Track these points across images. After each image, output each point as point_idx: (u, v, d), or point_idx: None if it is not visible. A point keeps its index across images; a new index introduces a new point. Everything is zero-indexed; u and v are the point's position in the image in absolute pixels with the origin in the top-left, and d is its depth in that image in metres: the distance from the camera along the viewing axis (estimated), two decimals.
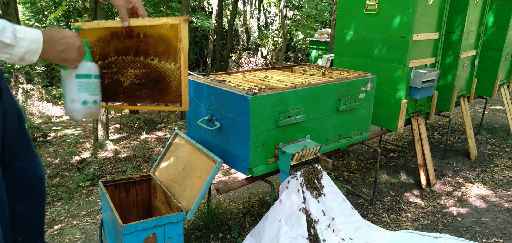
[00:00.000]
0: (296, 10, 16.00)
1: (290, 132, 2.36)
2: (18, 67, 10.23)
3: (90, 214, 4.00)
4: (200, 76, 2.56)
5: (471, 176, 3.87)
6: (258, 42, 15.51)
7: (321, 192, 2.26)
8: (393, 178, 3.70)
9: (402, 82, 3.13)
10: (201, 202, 2.21)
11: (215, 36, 13.20)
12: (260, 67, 8.69)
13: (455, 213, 3.14)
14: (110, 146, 6.39)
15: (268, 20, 17.24)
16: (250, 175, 2.29)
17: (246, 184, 2.43)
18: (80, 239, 3.17)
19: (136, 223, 1.86)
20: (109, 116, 8.10)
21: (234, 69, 13.87)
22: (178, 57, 1.63)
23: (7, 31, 1.19)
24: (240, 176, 3.95)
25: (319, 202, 2.23)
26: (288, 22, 14.82)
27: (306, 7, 14.05)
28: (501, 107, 6.73)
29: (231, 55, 13.91)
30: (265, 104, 2.15)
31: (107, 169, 5.68)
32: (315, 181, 2.28)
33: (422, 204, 3.33)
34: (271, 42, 15.02)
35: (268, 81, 2.60)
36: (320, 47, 9.50)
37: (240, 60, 14.58)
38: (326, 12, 14.51)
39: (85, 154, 6.36)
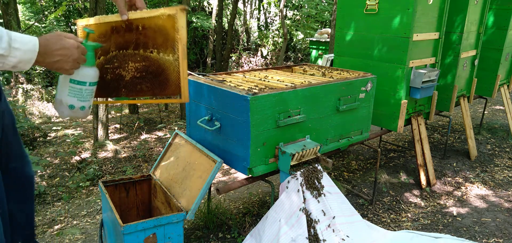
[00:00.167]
0: (296, 10, 16.00)
1: (290, 132, 2.36)
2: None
3: (90, 214, 4.00)
4: (200, 76, 2.56)
5: (471, 176, 3.87)
6: (258, 42, 15.51)
7: (321, 192, 2.26)
8: (393, 178, 3.70)
9: (402, 82, 3.13)
10: (201, 202, 2.21)
11: (215, 36, 13.20)
12: (260, 67, 8.69)
13: (455, 213, 3.14)
14: (110, 146, 6.39)
15: (268, 20, 17.24)
16: (250, 175, 2.29)
17: (246, 184, 2.43)
18: (80, 239, 3.17)
19: (136, 223, 1.86)
20: (109, 116, 8.10)
21: (234, 69, 13.87)
22: (176, 48, 1.60)
23: (2, 41, 1.16)
24: (240, 176, 3.95)
25: (319, 202, 2.23)
26: (288, 22, 14.82)
27: (306, 7, 14.04)
28: (501, 107, 6.73)
29: (231, 55, 13.91)
30: (265, 104, 2.15)
31: (107, 169, 5.68)
32: (315, 181, 2.28)
33: (422, 204, 3.33)
34: (271, 42, 15.02)
35: (268, 81, 2.60)
36: (320, 47, 9.50)
37: (240, 60, 14.58)
38: (326, 12, 14.51)
39: (85, 154, 6.36)
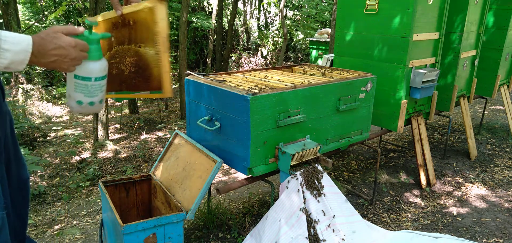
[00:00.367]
0: (296, 10, 16.00)
1: (290, 132, 2.36)
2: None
3: (90, 214, 4.01)
4: (200, 76, 2.56)
5: (471, 176, 3.87)
6: (258, 42, 15.51)
7: (321, 192, 2.26)
8: (393, 178, 3.70)
9: (402, 82, 3.13)
10: (201, 202, 2.21)
11: (215, 36, 13.21)
12: (260, 67, 8.70)
13: (455, 213, 3.14)
14: (110, 146, 6.39)
15: (268, 20, 17.24)
16: (250, 175, 2.29)
17: (246, 184, 2.43)
18: (80, 239, 3.17)
19: (136, 223, 1.86)
20: (109, 116, 8.10)
21: (234, 69, 13.87)
22: (156, 42, 1.58)
23: None
24: (240, 176, 3.95)
25: (319, 202, 2.23)
26: (288, 22, 14.82)
27: (306, 7, 14.04)
28: (501, 107, 6.73)
29: (231, 55, 13.91)
30: (265, 104, 2.15)
31: (107, 169, 5.68)
32: (315, 181, 2.28)
33: (422, 204, 3.33)
34: (271, 42, 15.02)
35: (268, 81, 2.60)
36: (320, 47, 9.50)
37: (240, 60, 14.58)
38: (326, 12, 14.51)
39: (85, 154, 6.36)
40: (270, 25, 16.77)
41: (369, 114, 2.93)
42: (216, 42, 13.24)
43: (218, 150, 2.38)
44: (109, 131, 7.08)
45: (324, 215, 2.21)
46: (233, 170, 4.70)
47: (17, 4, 9.77)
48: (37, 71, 10.90)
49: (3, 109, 1.56)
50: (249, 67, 14.34)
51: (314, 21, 14.43)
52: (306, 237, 2.06)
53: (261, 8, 17.13)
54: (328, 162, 2.34)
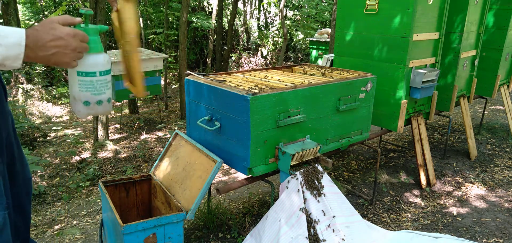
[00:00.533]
0: (296, 10, 16.00)
1: (290, 132, 2.36)
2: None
3: (90, 214, 4.01)
4: (200, 76, 2.56)
5: (471, 176, 3.87)
6: (258, 42, 15.52)
7: (321, 192, 2.26)
8: (393, 178, 3.70)
9: (402, 82, 3.13)
10: (201, 202, 2.21)
11: (215, 36, 13.21)
12: (260, 67, 8.70)
13: (455, 213, 3.14)
14: (110, 146, 6.39)
15: (268, 20, 17.25)
16: (250, 175, 2.29)
17: (246, 184, 2.43)
18: (80, 239, 3.17)
19: (136, 223, 1.86)
20: (109, 116, 8.10)
21: (234, 69, 13.88)
22: (125, 40, 1.57)
23: None
24: (240, 176, 3.95)
25: (319, 202, 2.23)
26: (288, 22, 14.82)
27: (306, 7, 14.05)
28: (501, 107, 6.73)
29: (231, 55, 13.92)
30: (265, 104, 2.15)
31: (107, 169, 5.68)
32: (315, 181, 2.28)
33: (422, 204, 3.33)
34: (271, 42, 15.03)
35: (268, 81, 2.60)
36: (320, 47, 9.50)
37: (240, 60, 14.58)
38: (326, 12, 14.51)
39: (85, 154, 6.37)
40: (270, 25, 16.77)
41: (369, 114, 2.93)
42: (216, 42, 13.25)
43: (218, 150, 2.38)
44: (109, 131, 7.08)
45: (324, 215, 2.21)
46: (233, 170, 4.70)
47: (17, 4, 9.78)
48: (37, 71, 10.90)
49: (5, 108, 1.56)
50: (249, 67, 14.34)
51: (314, 21, 14.43)
52: (306, 237, 2.06)
53: (261, 8, 17.14)
54: (328, 162, 2.34)
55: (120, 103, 8.87)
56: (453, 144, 4.67)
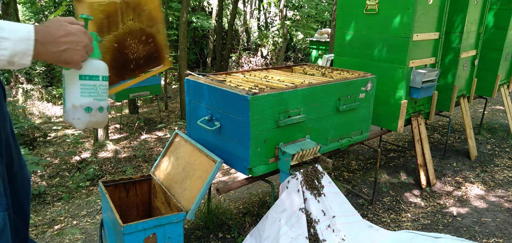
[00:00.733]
0: (296, 10, 16.01)
1: (290, 132, 2.36)
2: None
3: (90, 214, 4.01)
4: (200, 76, 2.56)
5: (471, 176, 3.87)
6: (258, 42, 15.52)
7: (321, 192, 2.26)
8: (393, 178, 3.70)
9: (402, 82, 3.13)
10: (201, 202, 2.21)
11: (215, 36, 13.21)
12: (260, 67, 8.70)
13: (455, 213, 3.14)
14: (110, 146, 6.39)
15: (268, 20, 17.25)
16: (250, 175, 2.29)
17: (246, 184, 2.43)
18: (80, 239, 3.17)
19: (136, 223, 1.86)
20: (109, 116, 8.11)
21: (234, 69, 13.88)
22: (151, 17, 1.70)
23: None
24: (240, 176, 3.95)
25: (319, 202, 2.23)
26: (288, 22, 14.82)
27: (306, 7, 14.05)
28: (501, 107, 6.73)
29: (231, 55, 13.92)
30: (265, 104, 2.15)
31: (107, 169, 5.68)
32: (315, 181, 2.28)
33: (422, 204, 3.33)
34: (271, 42, 15.03)
35: (268, 81, 2.60)
36: (320, 47, 9.51)
37: (240, 60, 14.58)
38: (326, 12, 14.52)
39: (85, 154, 6.37)
40: (270, 25, 16.77)
41: (369, 114, 2.93)
42: (216, 42, 13.25)
43: (218, 150, 2.38)
44: (109, 131, 7.08)
45: (324, 215, 2.21)
46: (233, 170, 4.70)
47: (17, 4, 9.78)
48: (37, 71, 10.90)
49: (4, 109, 1.55)
50: (249, 67, 14.34)
51: (314, 21, 14.43)
52: (306, 237, 2.06)
53: (261, 8, 17.14)
54: (328, 162, 2.34)
55: (120, 103, 8.87)
56: (453, 144, 4.67)
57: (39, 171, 5.41)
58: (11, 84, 10.41)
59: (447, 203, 3.34)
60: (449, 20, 3.50)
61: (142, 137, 7.16)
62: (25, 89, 10.35)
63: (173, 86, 12.86)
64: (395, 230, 2.82)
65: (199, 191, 2.11)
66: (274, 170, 2.37)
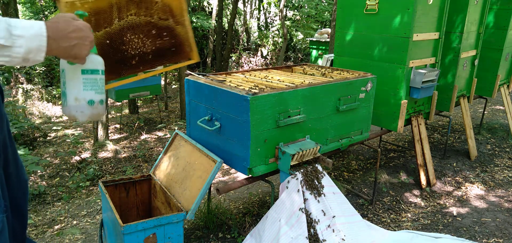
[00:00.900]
0: (296, 10, 16.00)
1: (290, 132, 2.36)
2: (18, 67, 10.23)
3: (90, 214, 4.00)
4: (200, 76, 2.56)
5: (471, 176, 3.87)
6: (258, 42, 15.51)
7: (321, 192, 2.26)
8: (393, 178, 3.70)
9: (402, 82, 3.13)
10: (201, 202, 2.21)
11: (215, 36, 13.21)
12: (260, 67, 8.70)
13: (455, 213, 3.14)
14: (110, 146, 6.39)
15: (268, 20, 17.25)
16: (250, 175, 2.29)
17: (246, 184, 2.43)
18: (80, 239, 3.17)
19: (136, 223, 1.86)
20: (109, 116, 8.11)
21: (234, 69, 13.88)
22: (181, 17, 1.71)
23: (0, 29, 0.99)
24: (240, 176, 3.95)
25: (319, 202, 2.23)
26: (288, 22, 14.82)
27: (306, 7, 14.05)
28: (501, 107, 6.73)
29: (231, 55, 13.91)
30: (265, 104, 2.15)
31: (107, 169, 5.68)
32: (315, 181, 2.28)
33: (422, 204, 3.33)
34: (271, 42, 15.03)
35: (268, 81, 2.60)
36: (320, 47, 9.50)
37: (240, 60, 14.58)
38: (326, 12, 14.51)
39: (85, 154, 6.36)
40: (270, 25, 16.77)
41: (369, 114, 2.93)
42: (216, 42, 13.25)
43: (218, 150, 2.38)
44: (109, 131, 7.08)
45: (324, 215, 2.21)
46: (233, 170, 4.70)
47: (17, 4, 9.78)
48: (37, 71, 10.90)
49: (1, 111, 1.55)
50: (249, 67, 14.34)
51: (314, 21, 14.43)
52: (306, 237, 2.06)
53: (261, 8, 17.14)
54: (328, 162, 2.34)
55: (120, 103, 8.87)
56: (453, 144, 4.67)
57: (39, 171, 5.40)
58: (11, 84, 10.41)
59: (447, 203, 3.34)
60: (449, 20, 3.50)
61: (142, 137, 7.16)
62: (25, 89, 10.35)
63: (173, 86, 12.86)
64: (395, 230, 2.82)
65: (199, 191, 2.11)
66: (274, 170, 2.37)
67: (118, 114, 8.70)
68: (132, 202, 2.51)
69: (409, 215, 3.12)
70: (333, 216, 2.24)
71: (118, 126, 7.89)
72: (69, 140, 6.86)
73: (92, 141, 6.95)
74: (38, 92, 10.56)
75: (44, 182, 5.30)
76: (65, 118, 9.46)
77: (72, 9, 1.50)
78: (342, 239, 2.21)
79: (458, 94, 4.06)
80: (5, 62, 1.04)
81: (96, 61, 1.32)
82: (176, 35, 1.71)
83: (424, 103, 3.63)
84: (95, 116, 1.36)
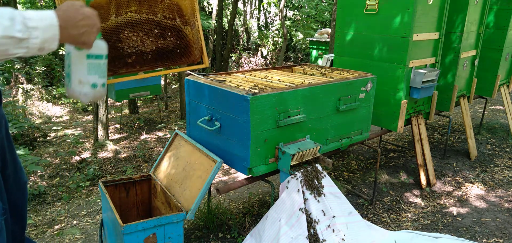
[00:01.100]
0: (296, 10, 16.00)
1: (290, 132, 2.36)
2: (18, 67, 10.23)
3: (90, 214, 4.01)
4: (200, 76, 2.56)
5: (471, 176, 3.87)
6: (258, 42, 15.51)
7: (321, 192, 2.26)
8: (393, 178, 3.70)
9: (402, 82, 3.13)
10: (201, 202, 2.21)
11: (215, 36, 13.20)
12: (260, 67, 8.70)
13: (455, 213, 3.14)
14: (110, 146, 6.39)
15: (268, 20, 17.24)
16: (250, 175, 2.29)
17: (246, 184, 2.43)
18: (80, 239, 3.17)
19: (136, 223, 1.86)
20: (109, 116, 8.11)
21: (234, 69, 13.88)
22: (194, 18, 1.72)
23: (16, 22, 1.02)
24: (240, 176, 3.95)
25: (319, 202, 2.23)
26: (288, 22, 14.82)
27: (306, 7, 14.05)
28: (501, 107, 6.73)
29: (231, 55, 13.91)
30: (265, 104, 2.15)
31: (107, 169, 5.68)
32: (315, 181, 2.28)
33: (422, 204, 3.33)
34: (271, 42, 15.03)
35: (268, 81, 2.60)
36: (320, 47, 9.50)
37: (240, 60, 14.58)
38: (326, 12, 14.51)
39: (85, 154, 6.36)
40: (270, 25, 16.77)
41: (369, 114, 2.93)
42: (216, 42, 13.24)
43: (218, 150, 2.38)
44: (109, 131, 7.08)
45: (324, 215, 2.21)
46: (233, 170, 4.70)
47: (17, 4, 9.77)
48: (37, 71, 10.90)
49: (0, 112, 1.55)
50: (249, 67, 14.34)
51: (314, 21, 14.43)
52: (306, 237, 2.06)
53: (261, 8, 17.14)
54: (328, 162, 2.34)
55: (120, 103, 8.87)
56: (453, 144, 4.67)
57: (39, 171, 5.40)
58: (11, 84, 10.41)
59: (447, 203, 3.34)
60: (449, 20, 3.50)
61: (142, 137, 7.16)
62: (25, 89, 10.35)
63: (173, 86, 12.86)
64: (395, 230, 2.82)
65: (199, 191, 2.11)
66: (274, 170, 2.37)
67: (118, 114, 8.70)
68: (132, 202, 2.51)
69: (409, 215, 3.12)
70: (333, 216, 2.24)
71: (118, 126, 7.89)
72: (69, 140, 6.86)
73: (92, 141, 6.95)
74: (38, 92, 10.56)
75: (44, 182, 5.30)
76: (65, 118, 9.46)
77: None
78: (342, 239, 2.21)
79: (458, 94, 4.06)
80: (23, 53, 1.07)
81: (101, 47, 1.37)
82: (183, 36, 1.66)
83: (424, 103, 3.63)
84: (96, 98, 1.42)
